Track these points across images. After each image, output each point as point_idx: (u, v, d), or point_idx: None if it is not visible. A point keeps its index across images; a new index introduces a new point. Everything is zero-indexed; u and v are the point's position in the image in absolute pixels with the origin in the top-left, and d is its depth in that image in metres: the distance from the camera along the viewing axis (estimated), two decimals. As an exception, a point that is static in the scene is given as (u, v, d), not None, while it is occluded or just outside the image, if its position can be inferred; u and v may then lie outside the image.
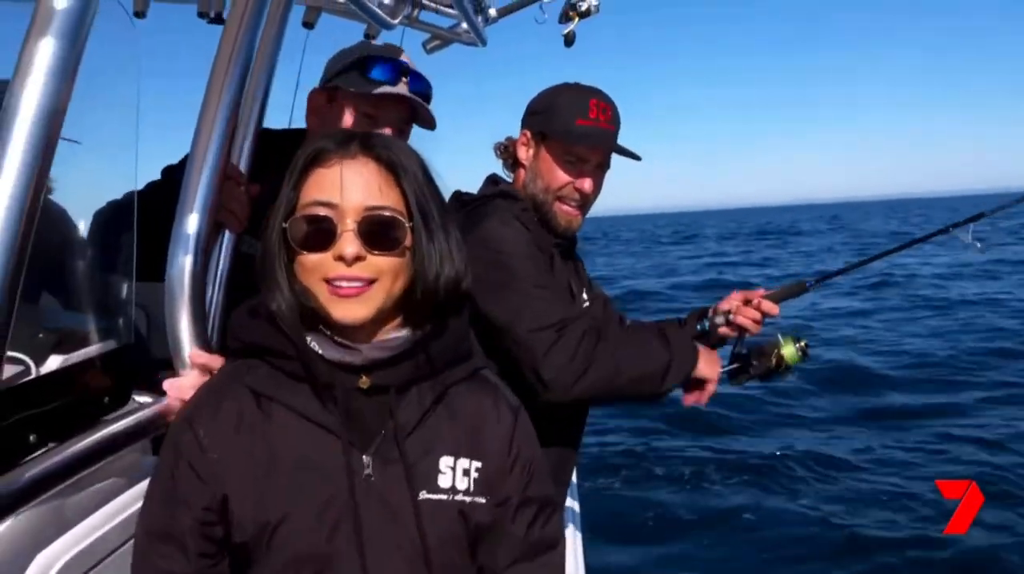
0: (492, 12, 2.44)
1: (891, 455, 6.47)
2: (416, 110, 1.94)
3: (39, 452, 1.09)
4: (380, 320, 1.07)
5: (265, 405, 1.06)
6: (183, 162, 1.88)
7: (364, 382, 1.06)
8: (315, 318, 1.07)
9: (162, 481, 1.07)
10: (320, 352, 1.06)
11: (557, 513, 1.22)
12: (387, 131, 1.88)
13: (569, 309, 1.76)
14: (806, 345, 1.89)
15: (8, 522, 0.99)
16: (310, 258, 1.04)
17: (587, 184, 1.85)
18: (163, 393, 1.30)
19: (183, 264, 1.37)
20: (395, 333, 1.09)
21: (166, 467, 1.07)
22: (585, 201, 1.88)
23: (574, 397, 1.68)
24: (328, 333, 1.07)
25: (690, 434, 6.92)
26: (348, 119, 1.89)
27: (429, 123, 1.99)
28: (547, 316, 1.65)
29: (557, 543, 1.19)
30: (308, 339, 1.07)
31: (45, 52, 0.93)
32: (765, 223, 78.35)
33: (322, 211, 1.04)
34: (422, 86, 1.94)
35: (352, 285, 1.03)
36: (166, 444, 1.10)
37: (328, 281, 1.04)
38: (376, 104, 1.89)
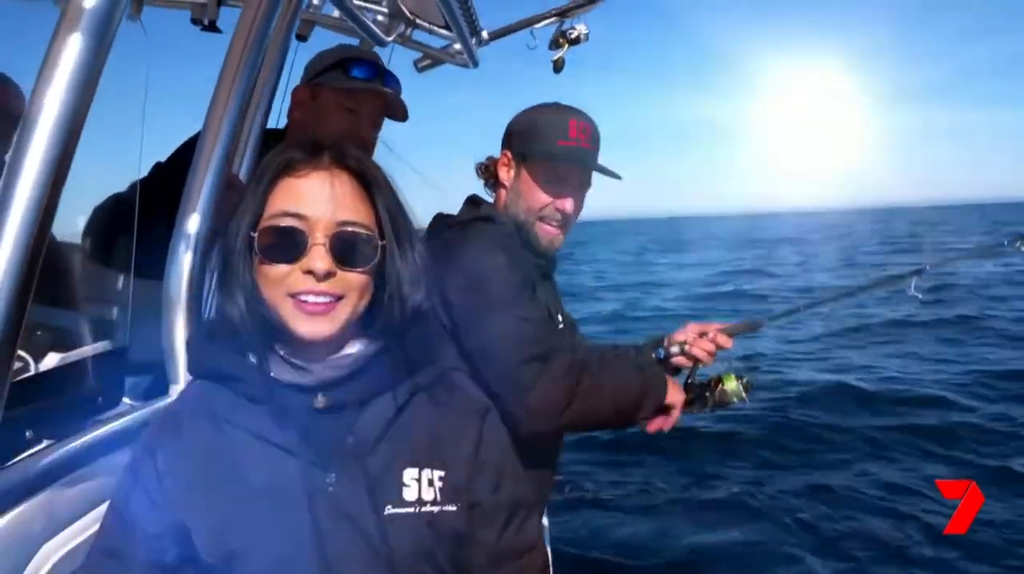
0: (484, 35, 2.50)
1: (885, 465, 6.35)
2: (390, 104, 2.18)
3: (35, 449, 1.10)
4: (340, 337, 1.05)
5: (225, 429, 1.04)
6: (171, 159, 1.92)
7: (320, 402, 1.04)
8: (270, 331, 1.04)
9: (118, 502, 1.05)
10: (272, 374, 1.04)
11: (534, 516, 1.20)
12: (366, 122, 2.13)
13: (553, 339, 1.75)
14: (748, 383, 1.99)
15: (3, 519, 1.00)
16: (276, 269, 1.00)
17: (568, 204, 1.87)
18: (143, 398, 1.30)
19: (182, 271, 1.38)
20: (347, 350, 1.07)
21: (122, 489, 1.05)
22: (566, 221, 1.89)
23: (556, 427, 1.71)
24: (281, 353, 1.05)
25: (667, 457, 6.78)
26: (331, 112, 2.10)
27: (402, 115, 2.23)
28: (532, 347, 1.64)
29: (534, 546, 1.17)
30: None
31: (72, 51, 0.94)
32: (754, 230, 77.15)
33: (292, 222, 1.00)
34: (394, 83, 2.20)
35: (320, 300, 1.00)
36: (127, 466, 1.09)
37: (293, 295, 1.00)
38: (357, 99, 2.11)
